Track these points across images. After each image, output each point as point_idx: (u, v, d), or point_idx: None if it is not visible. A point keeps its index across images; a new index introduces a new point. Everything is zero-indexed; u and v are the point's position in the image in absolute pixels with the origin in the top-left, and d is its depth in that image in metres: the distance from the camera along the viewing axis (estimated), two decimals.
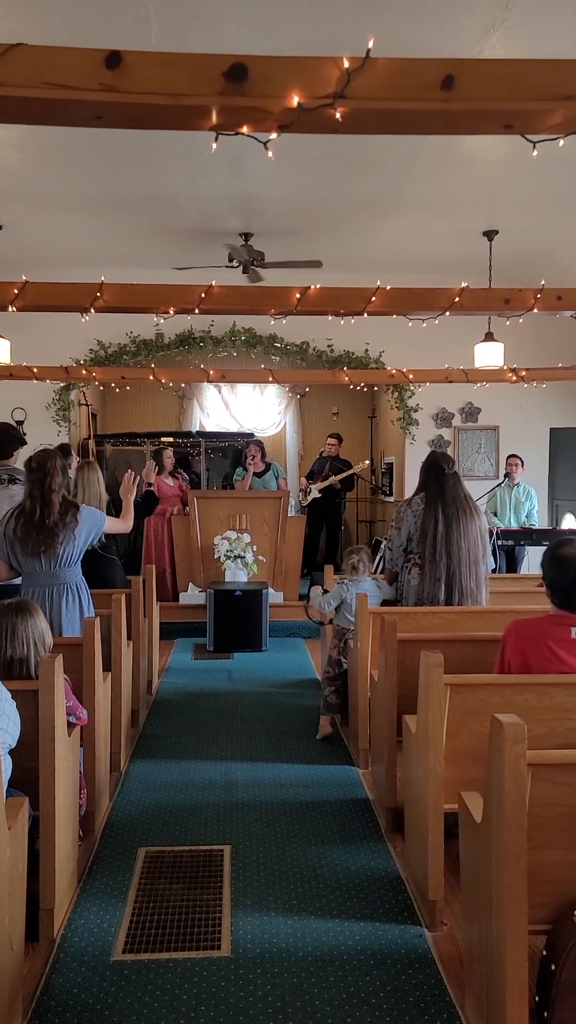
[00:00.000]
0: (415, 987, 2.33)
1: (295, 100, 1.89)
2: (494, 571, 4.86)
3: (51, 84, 1.88)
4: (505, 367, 6.69)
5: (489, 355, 6.84)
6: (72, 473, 4.65)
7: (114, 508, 4.56)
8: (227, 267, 6.94)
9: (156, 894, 2.83)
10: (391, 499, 9.86)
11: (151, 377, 6.74)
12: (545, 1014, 1.94)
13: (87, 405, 9.54)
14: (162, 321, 6.69)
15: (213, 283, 4.19)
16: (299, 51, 1.99)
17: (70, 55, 1.89)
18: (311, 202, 6.16)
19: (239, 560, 7.00)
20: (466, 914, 2.31)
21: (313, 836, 3.28)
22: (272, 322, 4.54)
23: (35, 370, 6.41)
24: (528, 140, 2.08)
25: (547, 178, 5.41)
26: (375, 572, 5.11)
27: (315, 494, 8.86)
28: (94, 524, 3.83)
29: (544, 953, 1.99)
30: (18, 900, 2.21)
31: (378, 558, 8.63)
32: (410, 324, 5.03)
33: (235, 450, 9.73)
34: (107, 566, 4.78)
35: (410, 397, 8.75)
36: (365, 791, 3.76)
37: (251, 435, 9.85)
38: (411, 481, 8.02)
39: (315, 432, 11.09)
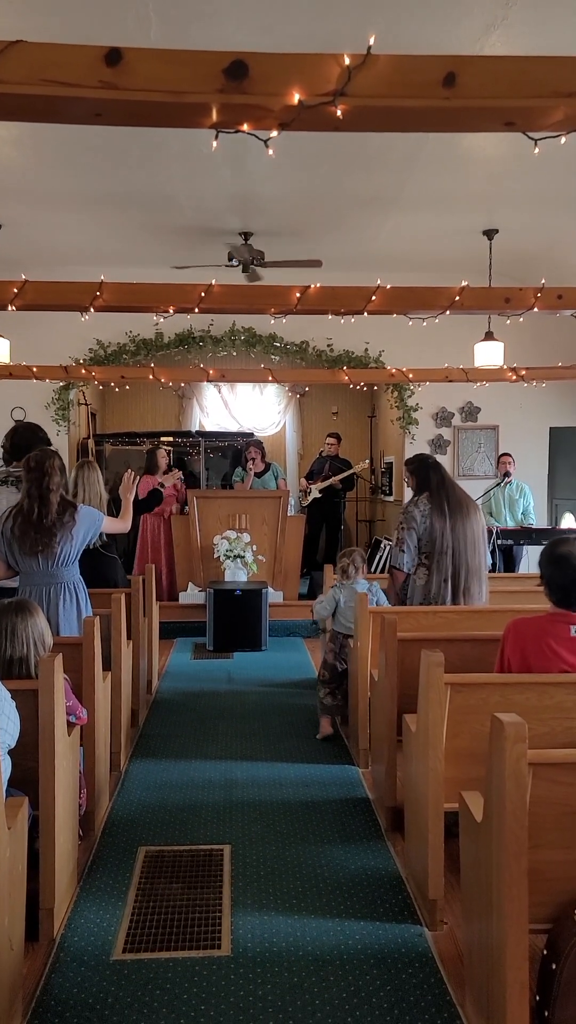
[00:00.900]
0: (415, 986, 2.33)
1: (296, 97, 1.88)
2: (492, 570, 4.85)
3: (50, 81, 1.87)
4: (505, 366, 6.69)
5: (489, 354, 6.83)
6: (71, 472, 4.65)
7: (115, 507, 4.56)
8: (227, 266, 6.93)
9: (156, 893, 2.83)
10: (391, 499, 9.86)
11: (150, 376, 6.73)
12: (546, 1013, 1.93)
13: (87, 405, 9.53)
14: (162, 320, 6.69)
15: (213, 282, 4.18)
16: (299, 49, 1.98)
17: (70, 52, 1.88)
18: (311, 201, 6.15)
19: (239, 560, 7.00)
20: (466, 913, 2.30)
21: (313, 835, 3.27)
22: (272, 321, 4.53)
23: (34, 369, 6.40)
24: (529, 137, 2.07)
25: (547, 177, 5.41)
26: (378, 571, 5.10)
27: (315, 494, 8.86)
28: (92, 524, 3.83)
29: (545, 952, 1.99)
30: (18, 900, 2.21)
31: (378, 558, 8.64)
32: (410, 323, 5.02)
33: (235, 450, 9.73)
34: (108, 565, 4.78)
35: (410, 396, 8.74)
36: (365, 790, 3.75)
37: (251, 435, 9.85)
38: None
39: (315, 432, 11.09)
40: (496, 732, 1.97)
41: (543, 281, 4.33)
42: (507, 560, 7.49)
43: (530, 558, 7.86)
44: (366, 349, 8.56)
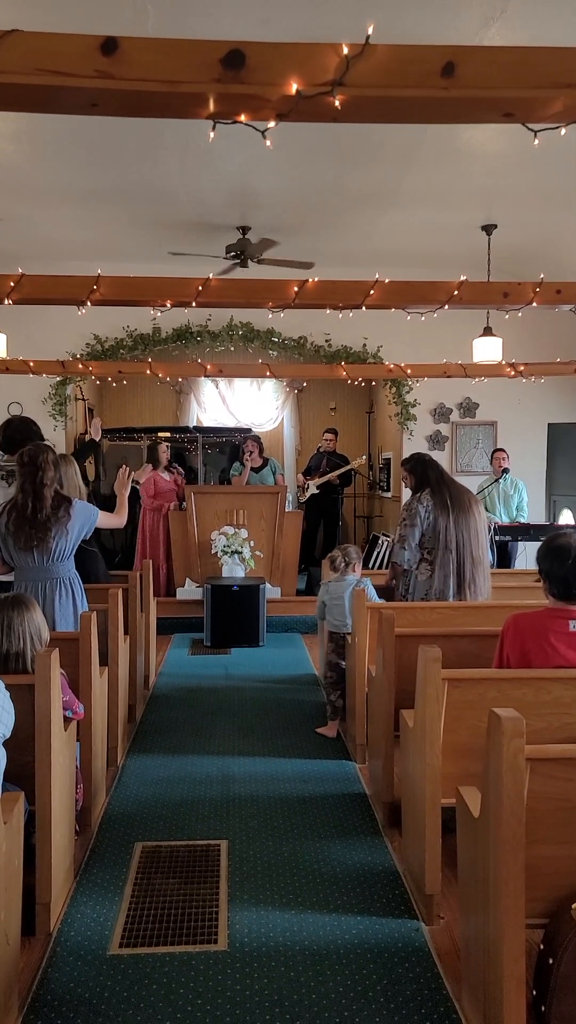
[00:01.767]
0: (412, 980, 2.33)
1: (293, 87, 1.87)
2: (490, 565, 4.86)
3: (46, 71, 1.85)
4: (503, 362, 6.68)
5: (487, 350, 6.82)
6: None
7: (96, 499, 4.53)
8: (224, 258, 6.90)
9: (153, 888, 2.82)
10: (388, 495, 9.85)
11: (148, 371, 6.71)
12: (542, 1008, 1.93)
13: (84, 400, 9.51)
14: (159, 315, 6.68)
15: (210, 276, 4.17)
16: (296, 41, 1.96)
17: (65, 41, 1.86)
18: (309, 195, 6.13)
19: (236, 555, 6.99)
20: (463, 908, 2.30)
21: (310, 831, 3.27)
22: (270, 315, 4.51)
23: (31, 364, 6.37)
24: (529, 129, 2.05)
25: (546, 172, 5.39)
26: (376, 568, 5.10)
27: (313, 490, 8.85)
28: (87, 518, 3.81)
29: (541, 947, 1.99)
30: (14, 894, 2.20)
31: (375, 553, 8.63)
32: (408, 318, 5.01)
33: (232, 445, 9.71)
34: (88, 559, 4.75)
35: (408, 392, 8.73)
36: (362, 786, 3.75)
37: (248, 430, 9.83)
38: None
39: (313, 427, 11.07)
40: (493, 727, 1.97)
41: (542, 276, 4.32)
42: (502, 556, 7.48)
43: (527, 554, 7.86)
44: (364, 344, 8.55)
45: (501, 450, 7.91)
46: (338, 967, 2.39)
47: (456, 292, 4.19)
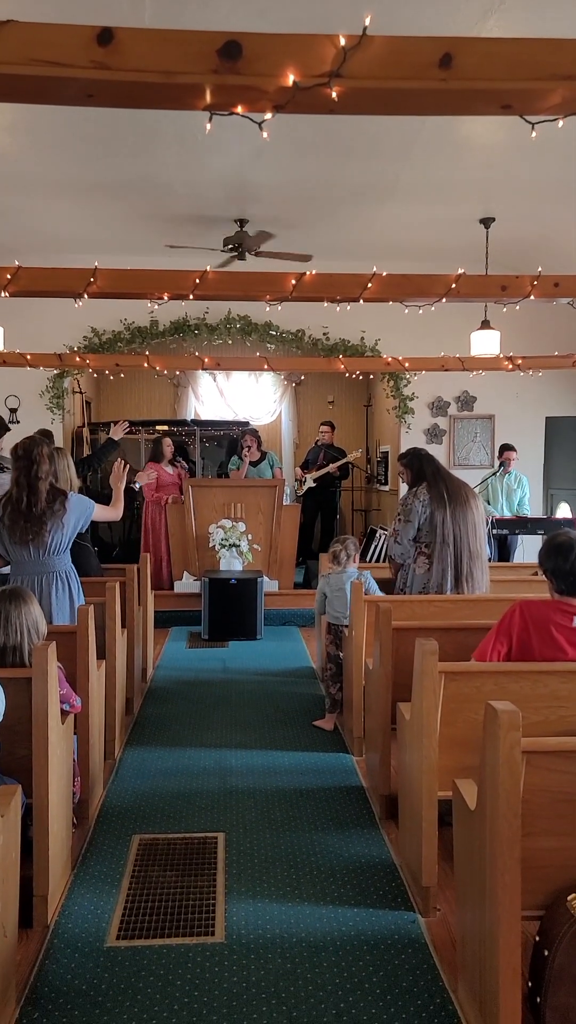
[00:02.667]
0: (408, 972, 2.34)
1: (290, 79, 1.85)
2: (488, 559, 4.86)
3: (41, 61, 1.84)
4: (501, 355, 6.66)
5: (485, 343, 6.81)
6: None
7: (87, 492, 4.53)
8: (222, 251, 6.87)
9: (150, 881, 2.83)
10: (386, 488, 9.85)
11: (145, 365, 6.69)
12: (538, 999, 1.94)
13: (81, 393, 9.48)
14: (156, 307, 6.63)
15: (208, 268, 4.15)
16: (293, 32, 1.95)
17: (61, 32, 1.85)
18: (307, 188, 6.10)
19: (234, 549, 6.99)
20: (460, 900, 2.31)
21: (307, 823, 3.28)
22: (267, 308, 4.49)
23: (28, 357, 6.35)
24: (527, 121, 2.04)
25: (544, 165, 5.37)
26: (373, 561, 5.11)
27: (310, 483, 8.85)
28: (83, 512, 3.81)
29: (537, 939, 2.00)
30: (11, 887, 2.21)
31: (373, 547, 8.63)
32: (406, 312, 4.99)
33: (230, 439, 9.69)
34: (80, 553, 4.75)
35: (406, 386, 8.72)
36: (359, 778, 3.76)
37: (246, 423, 9.82)
38: None
39: (311, 420, 11.05)
40: (490, 720, 1.97)
41: (539, 269, 4.30)
42: (501, 549, 7.49)
43: (525, 547, 7.87)
44: (362, 338, 8.53)
45: (512, 449, 7.82)
46: (335, 959, 2.40)
47: (454, 285, 4.17)
